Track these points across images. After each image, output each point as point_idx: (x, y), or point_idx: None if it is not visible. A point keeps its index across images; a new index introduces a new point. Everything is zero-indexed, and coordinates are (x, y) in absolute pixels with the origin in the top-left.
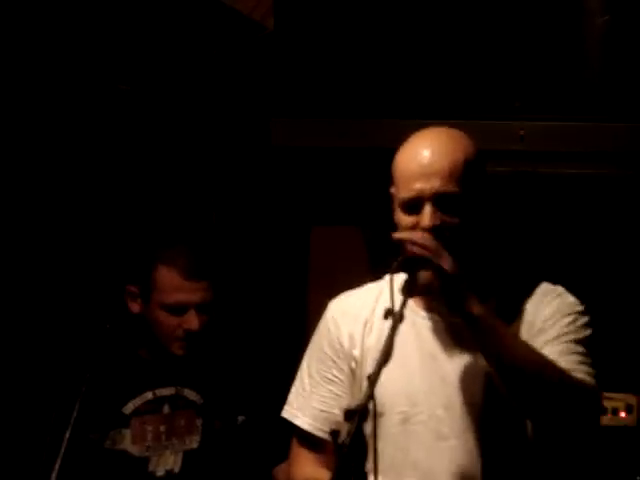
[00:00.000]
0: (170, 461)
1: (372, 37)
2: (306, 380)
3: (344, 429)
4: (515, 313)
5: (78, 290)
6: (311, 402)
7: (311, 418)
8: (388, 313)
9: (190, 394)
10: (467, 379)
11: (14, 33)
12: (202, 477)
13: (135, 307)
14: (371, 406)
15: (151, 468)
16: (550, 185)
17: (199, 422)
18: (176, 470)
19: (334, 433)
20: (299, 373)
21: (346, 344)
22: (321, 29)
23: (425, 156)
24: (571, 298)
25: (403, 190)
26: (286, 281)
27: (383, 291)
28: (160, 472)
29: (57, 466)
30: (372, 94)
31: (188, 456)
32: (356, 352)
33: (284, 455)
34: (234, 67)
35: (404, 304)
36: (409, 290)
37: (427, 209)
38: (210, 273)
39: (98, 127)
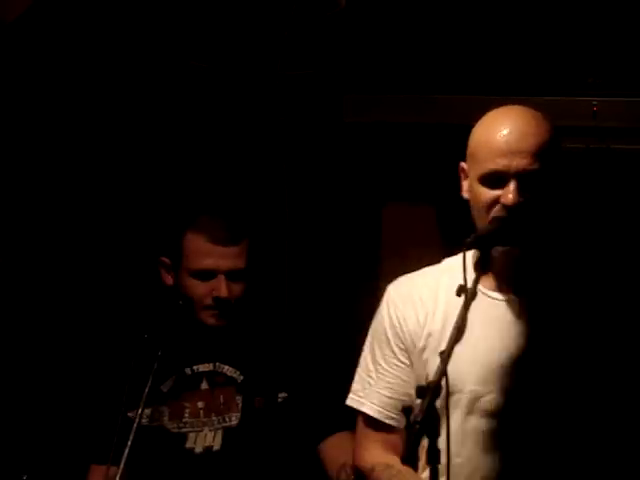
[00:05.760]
0: (209, 438)
1: (444, 13)
2: (371, 367)
3: (416, 406)
4: (587, 291)
5: (111, 269)
6: (378, 389)
7: (379, 405)
8: (461, 290)
9: (229, 370)
10: (538, 359)
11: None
12: (243, 455)
13: (168, 279)
14: (443, 383)
15: (189, 445)
16: (623, 161)
17: (239, 399)
18: (216, 447)
19: (407, 410)
20: (362, 360)
21: (409, 327)
22: (393, 5)
23: (513, 132)
24: None
25: (487, 163)
26: (358, 258)
27: (444, 273)
28: (198, 449)
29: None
30: (445, 70)
31: (228, 433)
32: (421, 334)
33: (329, 430)
34: (307, 44)
35: (477, 280)
36: (482, 267)
37: (512, 186)
38: (241, 239)
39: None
